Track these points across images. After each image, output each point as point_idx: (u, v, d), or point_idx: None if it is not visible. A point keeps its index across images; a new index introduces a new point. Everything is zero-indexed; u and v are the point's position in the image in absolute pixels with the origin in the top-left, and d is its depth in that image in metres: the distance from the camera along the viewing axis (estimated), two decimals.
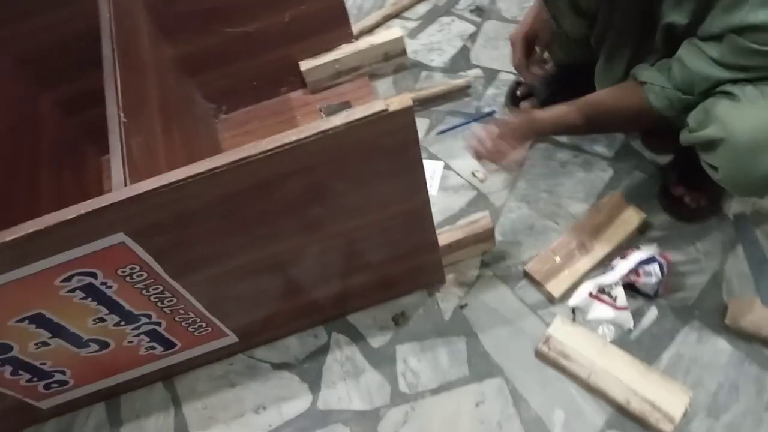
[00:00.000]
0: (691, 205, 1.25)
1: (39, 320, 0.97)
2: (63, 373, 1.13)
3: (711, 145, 0.96)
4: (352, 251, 1.10)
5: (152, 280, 0.97)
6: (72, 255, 0.87)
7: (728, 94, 0.94)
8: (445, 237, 1.23)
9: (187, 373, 1.27)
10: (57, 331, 1.01)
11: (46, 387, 1.15)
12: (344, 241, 1.06)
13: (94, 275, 0.92)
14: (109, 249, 0.88)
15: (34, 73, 1.29)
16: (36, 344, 1.02)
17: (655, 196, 1.30)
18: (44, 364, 1.08)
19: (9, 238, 0.80)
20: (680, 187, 1.25)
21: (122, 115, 0.90)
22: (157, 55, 1.24)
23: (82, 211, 0.80)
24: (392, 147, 0.88)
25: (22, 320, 0.96)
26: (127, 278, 0.95)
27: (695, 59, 0.95)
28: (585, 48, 1.25)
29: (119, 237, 0.86)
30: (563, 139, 1.42)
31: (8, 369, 1.06)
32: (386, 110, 0.82)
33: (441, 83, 1.54)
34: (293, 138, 0.81)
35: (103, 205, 0.80)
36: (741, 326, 1.13)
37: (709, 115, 0.96)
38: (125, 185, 0.86)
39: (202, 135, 1.40)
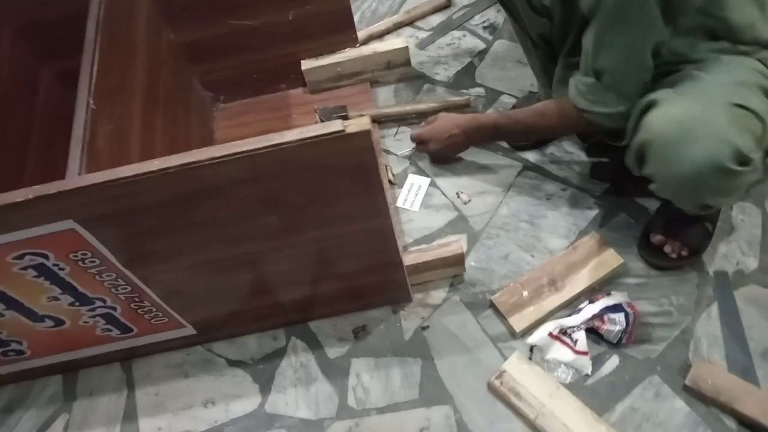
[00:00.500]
0: (671, 254, 1.22)
1: None
2: (20, 343, 1.15)
3: (643, 154, 1.02)
4: (313, 261, 1.09)
5: (105, 267, 0.98)
6: (22, 235, 0.88)
7: (653, 102, 1.00)
8: (413, 257, 1.22)
9: (146, 357, 1.29)
10: (11, 304, 1.03)
11: (3, 354, 1.17)
12: (304, 250, 1.05)
13: (45, 256, 0.93)
14: (59, 234, 0.89)
15: (35, 45, 1.31)
16: None
17: (635, 242, 1.27)
18: (0, 333, 1.11)
19: None
20: (660, 236, 1.22)
21: (92, 101, 0.90)
22: (154, 40, 1.24)
23: (31, 196, 0.81)
24: (349, 168, 0.87)
25: None
26: (80, 263, 0.96)
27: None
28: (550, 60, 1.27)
29: (69, 224, 0.87)
30: (554, 170, 1.39)
31: None
32: (342, 131, 0.81)
33: (440, 99, 1.52)
34: (244, 148, 0.81)
35: (52, 192, 0.81)
36: (701, 388, 1.10)
37: (638, 126, 1.02)
38: (79, 174, 0.87)
39: (195, 123, 1.41)
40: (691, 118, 0.95)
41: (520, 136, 1.37)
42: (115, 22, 1.09)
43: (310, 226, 0.99)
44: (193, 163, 0.81)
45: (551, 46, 1.25)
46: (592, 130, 1.18)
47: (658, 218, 1.25)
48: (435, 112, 1.45)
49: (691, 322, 1.18)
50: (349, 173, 0.87)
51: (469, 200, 1.38)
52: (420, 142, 1.42)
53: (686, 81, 1.00)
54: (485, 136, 1.35)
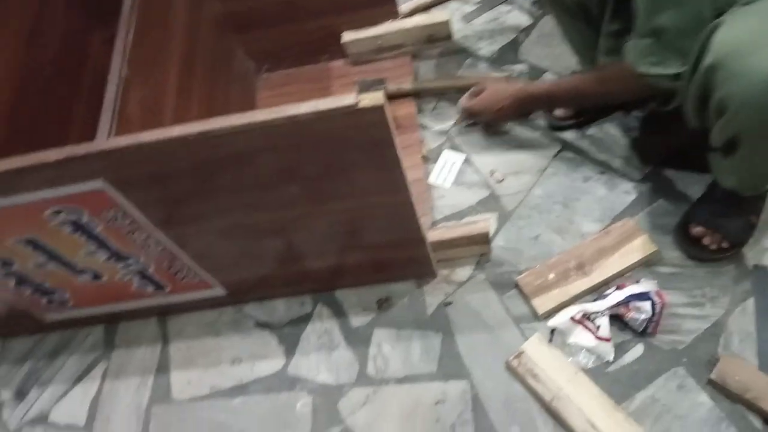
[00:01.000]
0: (710, 246, 1.17)
1: (34, 244, 1.06)
2: (63, 293, 1.23)
3: (708, 87, 0.93)
4: (336, 232, 1.11)
5: (136, 226, 1.03)
6: (58, 193, 0.93)
7: (717, 25, 0.91)
8: (439, 233, 1.22)
9: (180, 314, 1.35)
10: (52, 256, 1.10)
11: (49, 302, 1.26)
12: (327, 221, 1.07)
13: (80, 213, 0.98)
14: (91, 193, 0.94)
15: (87, 9, 1.36)
16: (35, 264, 1.12)
17: (673, 229, 1.22)
18: (45, 283, 1.18)
19: None
20: (700, 227, 1.17)
21: (125, 68, 0.94)
22: (195, 10, 1.27)
23: (63, 156, 0.86)
24: (363, 143, 0.87)
25: (19, 242, 1.05)
26: (111, 221, 1.01)
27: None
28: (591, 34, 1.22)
29: (99, 184, 0.92)
30: (593, 152, 1.36)
31: (12, 281, 1.17)
32: (354, 106, 0.81)
33: (480, 74, 1.49)
34: (261, 118, 0.83)
35: (81, 153, 0.86)
36: (727, 384, 1.06)
37: (703, 53, 0.93)
38: (108, 137, 0.91)
39: (236, 93, 1.44)
40: (759, 29, 0.87)
41: (575, 104, 1.34)
42: None
43: (330, 197, 1.00)
44: (211, 131, 0.83)
45: (590, 16, 1.20)
46: (650, 95, 1.12)
47: (698, 209, 1.19)
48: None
49: (724, 316, 1.14)
50: (363, 148, 0.88)
51: (503, 179, 1.36)
52: (470, 114, 1.41)
53: (746, 8, 0.92)
54: (538, 104, 1.33)
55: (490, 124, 1.41)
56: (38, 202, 0.95)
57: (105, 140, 0.86)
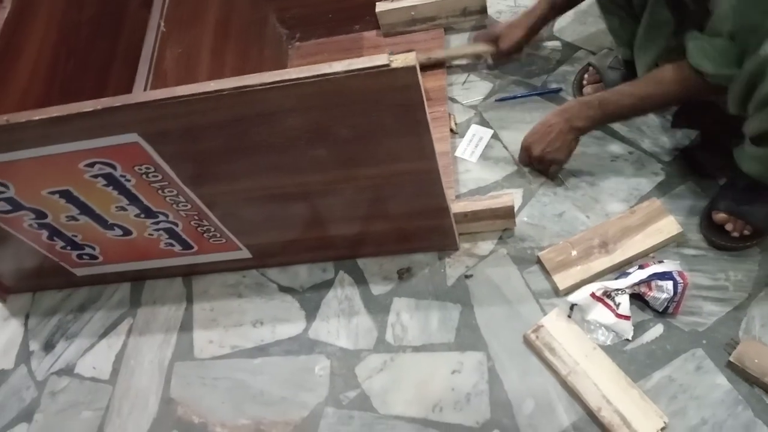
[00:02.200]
0: (733, 233, 1.16)
1: (68, 196, 1.08)
2: (93, 248, 1.26)
3: (764, 71, 0.89)
4: (361, 198, 1.12)
5: (166, 183, 1.05)
6: (93, 144, 0.96)
7: None
8: (463, 205, 1.23)
9: (205, 275, 1.38)
10: (84, 209, 1.12)
11: (79, 257, 1.29)
12: (353, 187, 1.08)
13: (113, 166, 1.01)
14: (125, 146, 0.96)
15: None
16: (67, 217, 1.15)
17: (699, 213, 1.22)
18: (76, 236, 1.21)
19: (36, 118, 0.89)
20: (723, 213, 1.16)
21: (163, 24, 0.96)
22: None
23: (99, 107, 0.88)
24: (395, 104, 0.88)
25: (53, 193, 1.07)
26: (144, 176, 1.03)
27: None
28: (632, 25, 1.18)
29: (133, 137, 0.94)
30: (622, 131, 1.35)
31: (45, 233, 1.20)
32: (388, 65, 0.82)
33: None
34: (293, 76, 0.84)
35: (117, 104, 0.88)
36: (746, 367, 1.06)
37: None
38: (144, 90, 0.93)
39: (267, 59, 1.45)
40: None
41: (631, 111, 1.17)
42: None
43: (358, 162, 1.01)
44: (245, 86, 0.85)
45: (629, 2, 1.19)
46: (712, 94, 1.06)
47: (722, 195, 1.18)
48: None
49: (747, 300, 1.13)
50: (394, 110, 0.89)
51: None
52: (526, 152, 1.29)
53: None
54: (592, 117, 1.18)
55: (547, 158, 1.27)
56: (74, 153, 0.97)
57: (141, 93, 0.88)
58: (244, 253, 1.29)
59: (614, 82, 1.34)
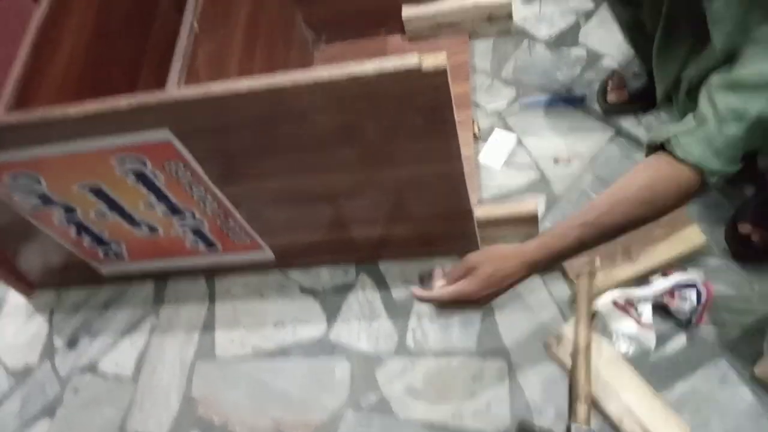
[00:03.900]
0: (758, 244, 1.15)
1: (98, 192, 1.10)
2: (119, 245, 1.28)
3: None
4: (386, 200, 1.13)
5: (195, 181, 1.07)
6: (125, 140, 0.97)
7: None
8: (486, 210, 1.23)
9: (228, 275, 1.39)
10: (114, 206, 1.14)
11: (105, 254, 1.31)
12: (378, 188, 1.09)
13: (143, 163, 1.02)
14: (156, 143, 0.97)
15: None
16: (96, 213, 1.16)
17: (724, 223, 1.21)
18: (103, 233, 1.23)
19: (71, 112, 0.91)
20: (748, 224, 1.15)
21: (196, 23, 0.97)
22: None
23: (134, 103, 0.90)
24: (424, 105, 0.89)
25: (84, 187, 1.09)
26: (173, 173, 1.05)
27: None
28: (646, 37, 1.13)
29: (165, 133, 0.95)
30: (645, 136, 1.34)
31: (73, 229, 1.22)
32: (419, 67, 0.83)
33: None
34: (325, 74, 0.85)
35: (151, 101, 0.89)
36: None
37: None
38: (177, 88, 0.95)
39: (294, 60, 1.47)
40: None
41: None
42: None
43: (385, 163, 1.02)
44: (278, 85, 0.86)
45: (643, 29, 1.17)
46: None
47: (748, 206, 1.18)
48: None
49: None
50: (422, 111, 0.89)
51: (570, 160, 1.34)
52: (462, 293, 0.94)
53: None
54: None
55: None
56: (106, 149, 0.99)
57: (175, 90, 0.90)
58: (268, 254, 1.30)
59: (637, 90, 1.34)
